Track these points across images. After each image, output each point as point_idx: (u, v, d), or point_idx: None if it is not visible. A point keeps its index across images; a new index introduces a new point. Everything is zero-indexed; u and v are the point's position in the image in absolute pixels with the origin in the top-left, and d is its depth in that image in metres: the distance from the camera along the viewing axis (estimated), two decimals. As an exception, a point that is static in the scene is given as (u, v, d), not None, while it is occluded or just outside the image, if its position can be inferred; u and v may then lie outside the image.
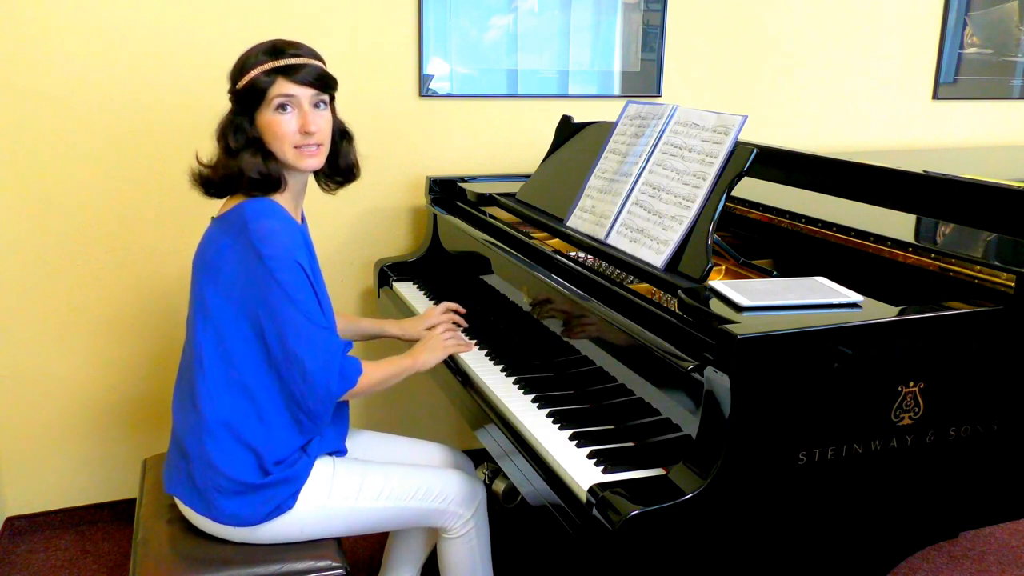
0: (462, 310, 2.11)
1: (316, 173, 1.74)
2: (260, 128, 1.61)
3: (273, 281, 1.54)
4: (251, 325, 1.58)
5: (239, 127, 1.61)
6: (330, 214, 2.65)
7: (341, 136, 1.75)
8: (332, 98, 1.69)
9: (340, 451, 1.77)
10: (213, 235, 1.64)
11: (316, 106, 1.62)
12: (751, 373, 1.25)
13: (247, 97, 1.60)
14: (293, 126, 1.60)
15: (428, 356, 1.86)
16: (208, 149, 1.67)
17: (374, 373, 1.70)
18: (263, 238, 1.55)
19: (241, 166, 1.60)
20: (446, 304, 2.12)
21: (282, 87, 1.58)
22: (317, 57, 1.65)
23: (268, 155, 1.62)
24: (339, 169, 1.77)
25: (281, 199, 1.65)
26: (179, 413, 1.68)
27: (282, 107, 1.59)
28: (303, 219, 1.80)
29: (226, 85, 1.65)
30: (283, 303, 1.55)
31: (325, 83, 1.63)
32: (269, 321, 1.56)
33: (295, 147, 1.61)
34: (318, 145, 1.64)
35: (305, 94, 1.60)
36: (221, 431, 1.59)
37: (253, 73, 1.58)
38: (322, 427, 1.67)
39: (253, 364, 1.60)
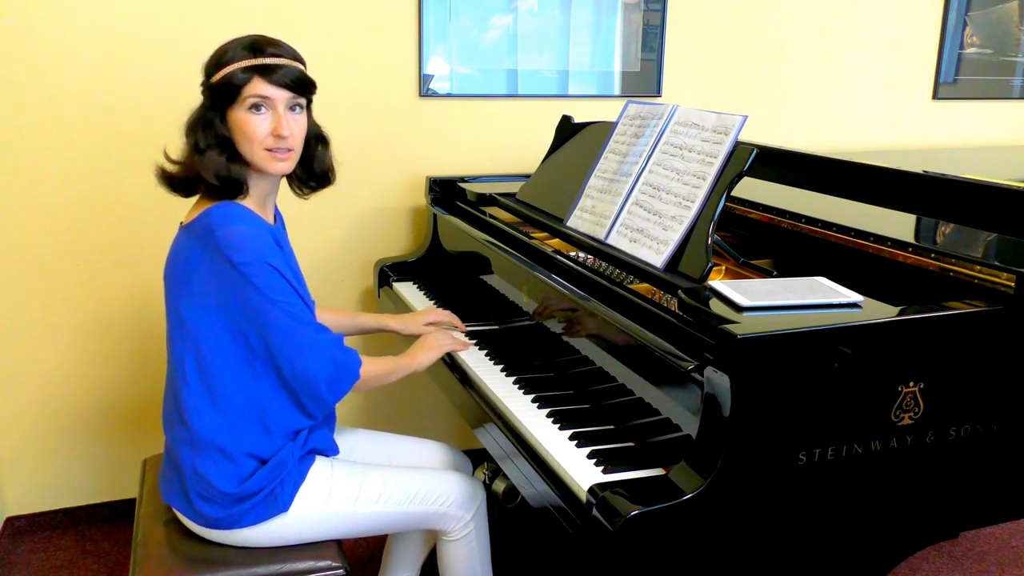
0: (462, 326, 2.10)
1: (289, 177, 1.70)
2: (231, 126, 1.56)
3: (250, 286, 1.51)
4: (231, 333, 1.55)
5: (209, 123, 1.56)
6: (330, 214, 2.65)
7: (316, 141, 1.70)
8: (310, 102, 1.64)
9: (331, 449, 1.75)
10: (182, 244, 1.60)
11: (292, 109, 1.58)
12: (751, 373, 1.25)
13: (221, 93, 1.55)
14: (265, 128, 1.55)
15: (424, 355, 1.86)
16: (179, 145, 1.62)
17: (372, 368, 1.70)
18: (232, 244, 1.51)
19: (201, 168, 1.55)
20: (450, 312, 2.11)
21: (257, 87, 1.53)
22: (298, 58, 1.60)
23: (234, 156, 1.57)
24: (314, 174, 1.71)
25: (247, 201, 1.61)
26: (168, 427, 1.66)
27: (256, 107, 1.54)
28: (278, 219, 1.76)
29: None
30: (265, 307, 1.52)
31: (303, 87, 1.58)
32: (253, 327, 1.54)
33: (266, 150, 1.56)
34: (289, 150, 1.59)
35: (281, 96, 1.55)
36: (211, 444, 1.58)
37: (229, 68, 1.53)
38: (320, 420, 1.67)
39: (235, 373, 1.57)
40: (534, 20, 2.75)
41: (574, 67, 2.84)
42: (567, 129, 2.30)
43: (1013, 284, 1.41)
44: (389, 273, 2.58)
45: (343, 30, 2.55)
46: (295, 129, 1.58)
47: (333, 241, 2.69)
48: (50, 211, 2.40)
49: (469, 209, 2.46)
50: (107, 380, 2.56)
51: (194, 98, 1.62)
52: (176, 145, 1.65)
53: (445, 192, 2.61)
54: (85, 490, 2.63)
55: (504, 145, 2.81)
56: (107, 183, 2.43)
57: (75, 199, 2.41)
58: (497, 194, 2.37)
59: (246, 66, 1.53)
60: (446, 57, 2.67)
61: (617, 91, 2.90)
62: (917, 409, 1.37)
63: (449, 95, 2.71)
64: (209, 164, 1.55)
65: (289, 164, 1.61)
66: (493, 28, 2.72)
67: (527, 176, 2.40)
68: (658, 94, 2.96)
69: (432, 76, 2.67)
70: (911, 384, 1.36)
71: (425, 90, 2.67)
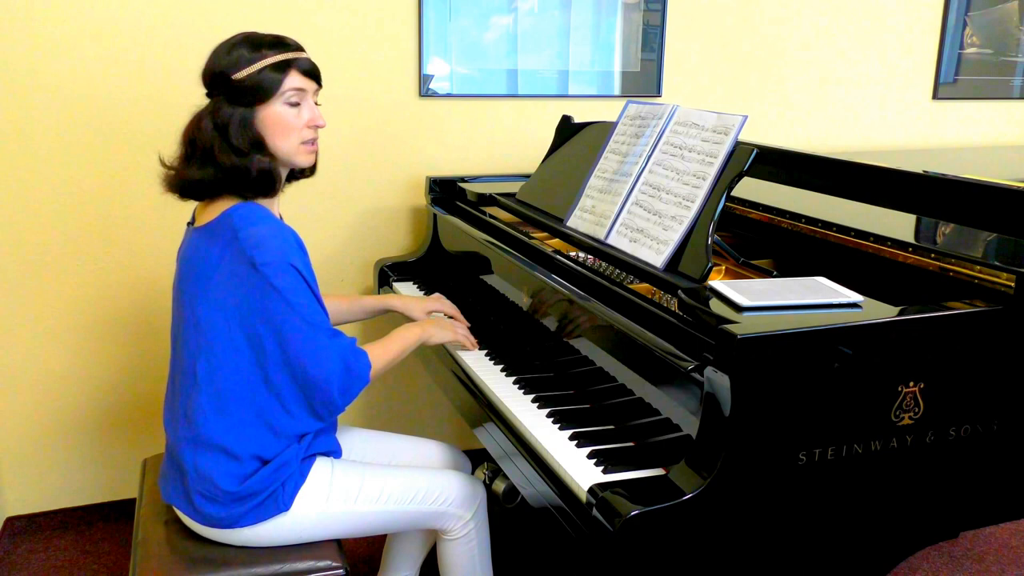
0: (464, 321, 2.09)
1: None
2: (260, 123, 1.58)
3: (270, 287, 1.51)
4: (246, 336, 1.55)
5: (243, 122, 1.56)
6: (330, 214, 2.65)
7: None
8: None
9: (335, 452, 1.75)
10: (198, 245, 1.60)
11: (316, 102, 1.64)
12: (751, 373, 1.25)
13: (251, 90, 1.55)
14: (302, 120, 1.60)
15: (439, 332, 1.88)
16: (170, 152, 1.62)
17: (382, 357, 1.71)
18: (256, 245, 1.51)
19: (252, 167, 1.56)
20: (453, 305, 2.11)
21: (295, 81, 1.57)
22: (304, 49, 1.65)
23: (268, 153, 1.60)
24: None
25: (267, 202, 1.63)
26: (171, 426, 1.66)
27: (294, 101, 1.58)
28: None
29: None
30: (283, 309, 1.52)
31: (320, 76, 1.65)
32: (269, 328, 1.54)
33: (301, 142, 1.61)
34: (316, 140, 1.65)
35: (311, 87, 1.61)
36: (216, 445, 1.57)
37: (259, 64, 1.54)
38: (329, 423, 1.67)
39: (246, 376, 1.57)
40: (534, 20, 2.75)
41: (574, 67, 2.84)
42: (567, 129, 2.30)
43: (1013, 284, 1.41)
44: (389, 273, 2.58)
45: (343, 30, 2.55)
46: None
47: (333, 241, 2.69)
48: (50, 212, 2.40)
49: (469, 209, 2.46)
50: (107, 380, 2.56)
51: (196, 99, 1.62)
52: (172, 150, 1.64)
53: (445, 192, 2.61)
54: (85, 490, 2.63)
55: (504, 145, 2.81)
56: (107, 184, 2.42)
57: (76, 200, 2.41)
58: (497, 194, 2.37)
59: (277, 61, 1.56)
60: (446, 57, 2.67)
61: (617, 91, 2.90)
62: (917, 409, 1.37)
63: (449, 95, 2.71)
64: (256, 164, 1.57)
65: (315, 155, 1.67)
66: (493, 28, 2.72)
67: (527, 176, 2.40)
68: (658, 94, 2.96)
69: (432, 76, 2.67)
70: (911, 384, 1.36)
71: (425, 90, 2.67)
